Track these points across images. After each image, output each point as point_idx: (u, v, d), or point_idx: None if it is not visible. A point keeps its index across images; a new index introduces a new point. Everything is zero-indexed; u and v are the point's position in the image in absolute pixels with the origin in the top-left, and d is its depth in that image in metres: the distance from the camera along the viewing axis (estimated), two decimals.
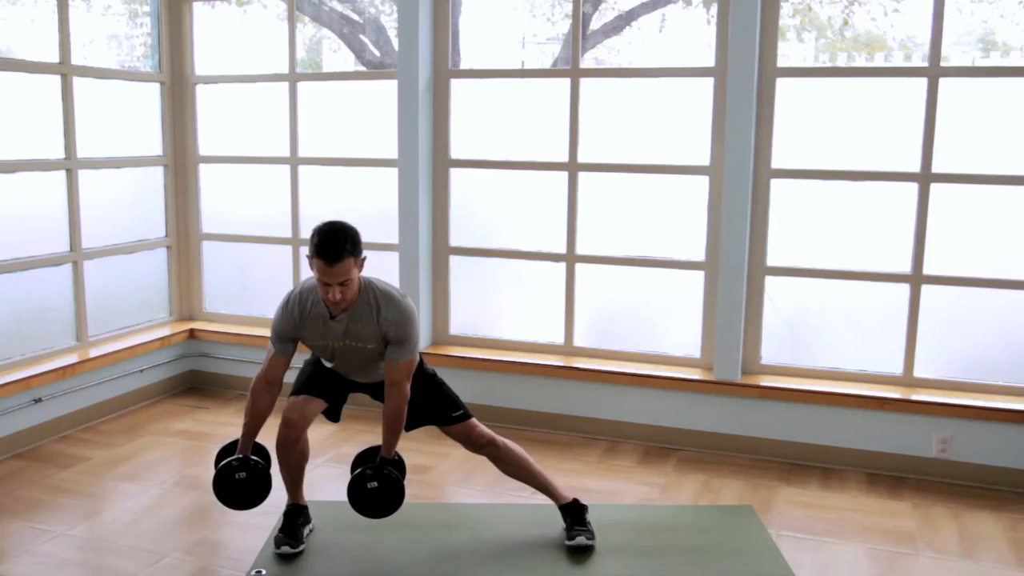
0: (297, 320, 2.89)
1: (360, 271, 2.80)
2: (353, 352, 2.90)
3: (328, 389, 3.02)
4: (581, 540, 2.99)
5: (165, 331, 4.96)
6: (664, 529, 3.24)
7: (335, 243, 2.67)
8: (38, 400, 4.15)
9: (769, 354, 4.19)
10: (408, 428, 3.00)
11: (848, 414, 3.92)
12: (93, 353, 4.48)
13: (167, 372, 4.96)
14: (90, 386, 4.44)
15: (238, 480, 2.86)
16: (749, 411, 4.08)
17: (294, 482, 3.08)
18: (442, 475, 3.86)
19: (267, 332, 4.90)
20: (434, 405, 3.03)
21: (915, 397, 3.86)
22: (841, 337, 4.14)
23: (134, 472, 3.83)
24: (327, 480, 3.78)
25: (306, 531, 3.08)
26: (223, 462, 2.92)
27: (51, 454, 4.04)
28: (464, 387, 4.49)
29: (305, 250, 4.93)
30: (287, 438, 2.93)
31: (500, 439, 3.05)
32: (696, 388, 4.13)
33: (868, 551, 3.18)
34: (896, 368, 4.01)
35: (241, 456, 2.90)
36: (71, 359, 4.38)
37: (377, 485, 2.80)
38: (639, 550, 3.05)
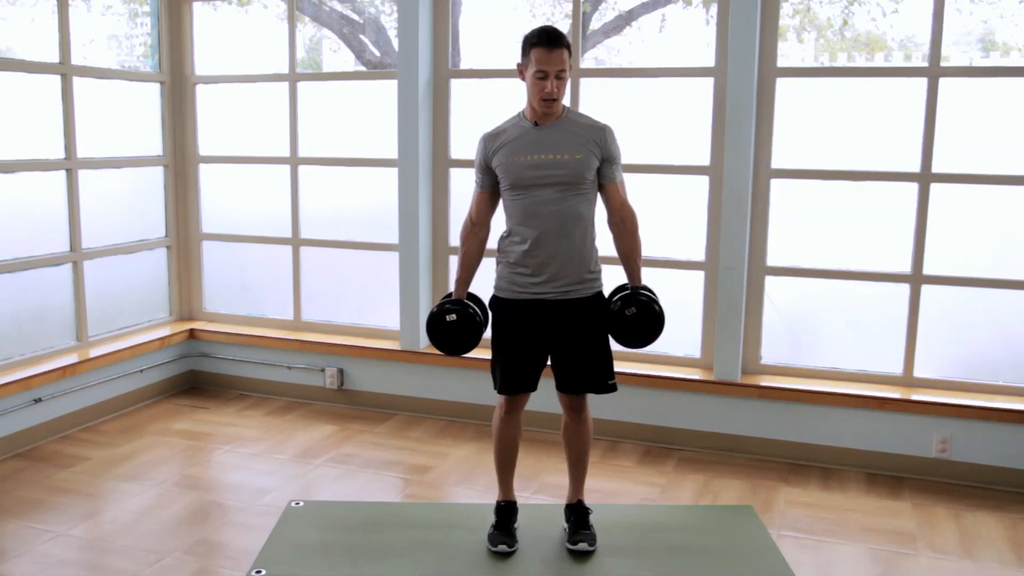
0: (497, 136, 2.90)
1: (568, 78, 2.81)
2: (552, 172, 2.79)
3: (528, 361, 2.97)
4: (583, 546, 2.99)
5: (165, 331, 4.96)
6: (664, 529, 3.24)
7: (555, 31, 2.75)
8: (38, 400, 4.15)
9: (769, 354, 4.19)
10: (563, 386, 2.97)
11: (848, 414, 3.93)
12: (93, 353, 4.48)
13: (167, 372, 4.96)
14: (90, 386, 4.44)
15: (449, 322, 2.95)
16: (749, 411, 4.08)
17: (507, 464, 3.07)
18: (442, 475, 3.86)
19: (267, 332, 4.98)
20: (596, 368, 2.95)
21: (915, 397, 3.86)
22: (841, 337, 4.15)
23: (134, 472, 3.83)
24: (327, 480, 3.78)
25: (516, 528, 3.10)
26: (438, 303, 3.02)
27: (51, 454, 4.04)
28: (464, 388, 4.53)
29: (305, 249, 4.99)
30: (503, 419, 3.02)
31: (591, 418, 3.07)
32: (696, 388, 4.13)
33: (868, 551, 3.18)
34: (896, 368, 4.01)
35: (455, 299, 3.00)
36: (71, 359, 4.38)
37: (636, 311, 2.83)
38: (639, 550, 3.04)
